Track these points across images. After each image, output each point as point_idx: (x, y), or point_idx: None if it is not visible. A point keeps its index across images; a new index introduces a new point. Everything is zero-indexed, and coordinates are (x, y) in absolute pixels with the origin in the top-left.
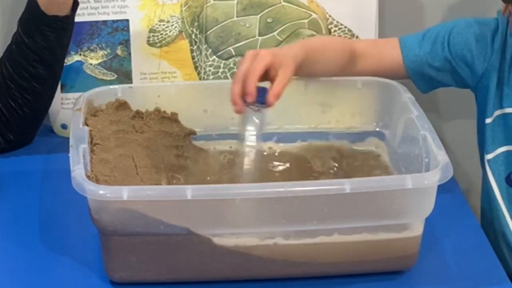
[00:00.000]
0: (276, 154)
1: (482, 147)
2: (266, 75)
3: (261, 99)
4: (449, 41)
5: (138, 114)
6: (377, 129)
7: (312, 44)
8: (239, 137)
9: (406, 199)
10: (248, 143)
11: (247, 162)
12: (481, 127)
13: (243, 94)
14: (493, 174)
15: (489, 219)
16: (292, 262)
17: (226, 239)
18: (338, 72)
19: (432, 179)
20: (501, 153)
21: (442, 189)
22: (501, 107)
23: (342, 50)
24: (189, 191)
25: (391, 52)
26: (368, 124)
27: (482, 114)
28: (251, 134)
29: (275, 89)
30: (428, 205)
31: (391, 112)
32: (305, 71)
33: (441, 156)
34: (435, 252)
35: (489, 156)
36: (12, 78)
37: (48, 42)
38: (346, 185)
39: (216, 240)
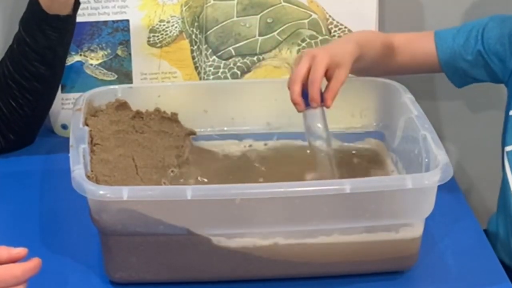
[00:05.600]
0: (276, 154)
1: (504, 139)
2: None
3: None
4: (483, 35)
5: (138, 114)
6: (377, 129)
7: (363, 41)
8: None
9: (406, 199)
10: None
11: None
12: (506, 119)
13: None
14: (511, 166)
15: (502, 213)
16: (292, 262)
17: (226, 239)
18: (377, 68)
19: (432, 179)
20: None
21: (442, 189)
22: None
23: (383, 46)
24: (189, 191)
25: (425, 45)
26: (368, 124)
27: (508, 107)
28: (319, 134)
29: (331, 91)
30: (428, 205)
31: (391, 112)
32: (355, 68)
33: (441, 156)
34: (435, 252)
35: (508, 148)
36: (13, 77)
37: (49, 42)
38: (346, 185)
39: (216, 240)
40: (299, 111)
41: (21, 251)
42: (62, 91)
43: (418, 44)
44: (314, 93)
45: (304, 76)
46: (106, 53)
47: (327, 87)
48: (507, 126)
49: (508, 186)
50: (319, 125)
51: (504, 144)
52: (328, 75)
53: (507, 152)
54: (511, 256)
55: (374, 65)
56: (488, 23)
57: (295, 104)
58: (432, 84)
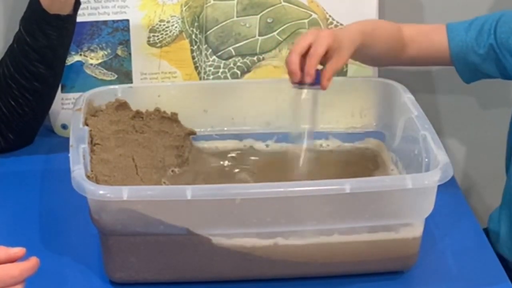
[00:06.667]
0: (276, 154)
1: (511, 136)
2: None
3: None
4: (496, 29)
5: (138, 114)
6: (377, 129)
7: (369, 29)
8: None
9: (406, 199)
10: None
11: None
12: None
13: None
14: None
15: (506, 208)
16: (292, 262)
17: (226, 239)
18: (386, 58)
19: (432, 179)
20: None
21: (442, 189)
22: None
23: (393, 36)
24: (189, 191)
25: (437, 37)
26: (368, 124)
27: None
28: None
29: (327, 71)
30: (428, 205)
31: (391, 112)
32: (359, 56)
33: (441, 156)
34: (435, 252)
35: None
36: (13, 77)
37: (49, 41)
38: (346, 185)
39: (216, 240)
40: (293, 82)
41: (19, 251)
42: (62, 91)
43: (430, 37)
44: (310, 67)
45: (304, 49)
46: (106, 53)
47: (323, 68)
48: None
49: None
50: (311, 108)
51: (511, 141)
52: (327, 56)
53: None
54: None
55: (382, 55)
56: (501, 17)
57: (291, 73)
58: (431, 83)
